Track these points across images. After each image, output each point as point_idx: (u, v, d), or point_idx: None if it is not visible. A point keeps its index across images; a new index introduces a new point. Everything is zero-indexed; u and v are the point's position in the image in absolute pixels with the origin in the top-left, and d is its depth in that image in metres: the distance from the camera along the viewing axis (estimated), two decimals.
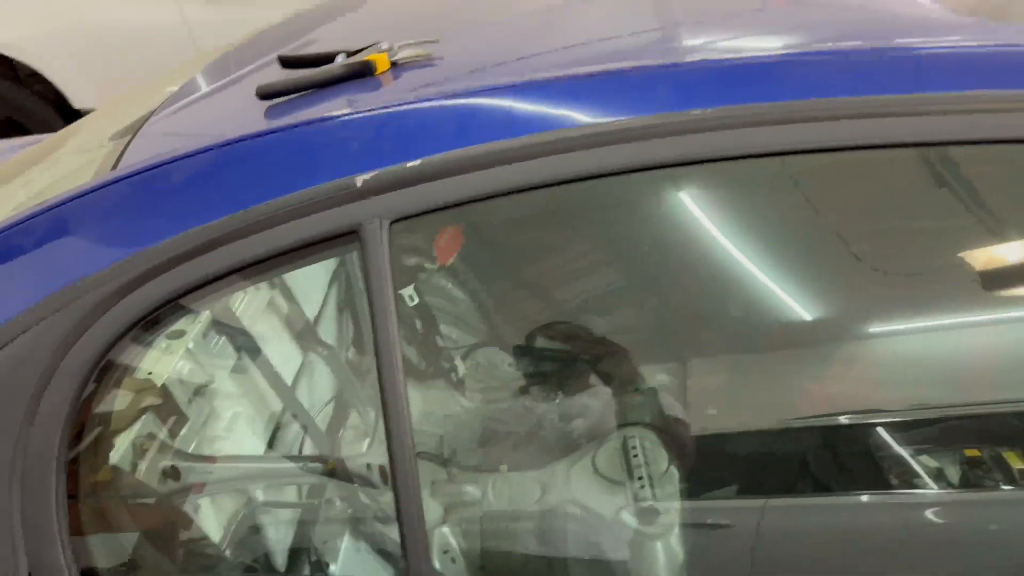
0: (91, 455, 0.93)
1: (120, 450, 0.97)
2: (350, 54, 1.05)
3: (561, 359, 1.28)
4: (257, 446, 1.16)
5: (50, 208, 0.90)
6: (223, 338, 1.12)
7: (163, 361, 0.99)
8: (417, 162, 0.87)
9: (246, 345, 1.15)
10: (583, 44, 1.10)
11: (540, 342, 1.26)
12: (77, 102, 3.51)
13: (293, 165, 0.88)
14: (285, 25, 1.66)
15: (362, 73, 1.00)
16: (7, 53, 3.41)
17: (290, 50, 1.32)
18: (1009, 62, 0.87)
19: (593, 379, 1.26)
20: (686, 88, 0.89)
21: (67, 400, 0.86)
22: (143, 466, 1.01)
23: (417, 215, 0.87)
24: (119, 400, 0.95)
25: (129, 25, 3.50)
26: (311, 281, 1.25)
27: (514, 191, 0.87)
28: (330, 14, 1.63)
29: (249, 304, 1.15)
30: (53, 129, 2.74)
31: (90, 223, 0.90)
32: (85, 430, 0.90)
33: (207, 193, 0.88)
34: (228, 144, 0.90)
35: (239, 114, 1.02)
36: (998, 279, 1.14)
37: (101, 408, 0.92)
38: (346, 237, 0.87)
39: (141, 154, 0.99)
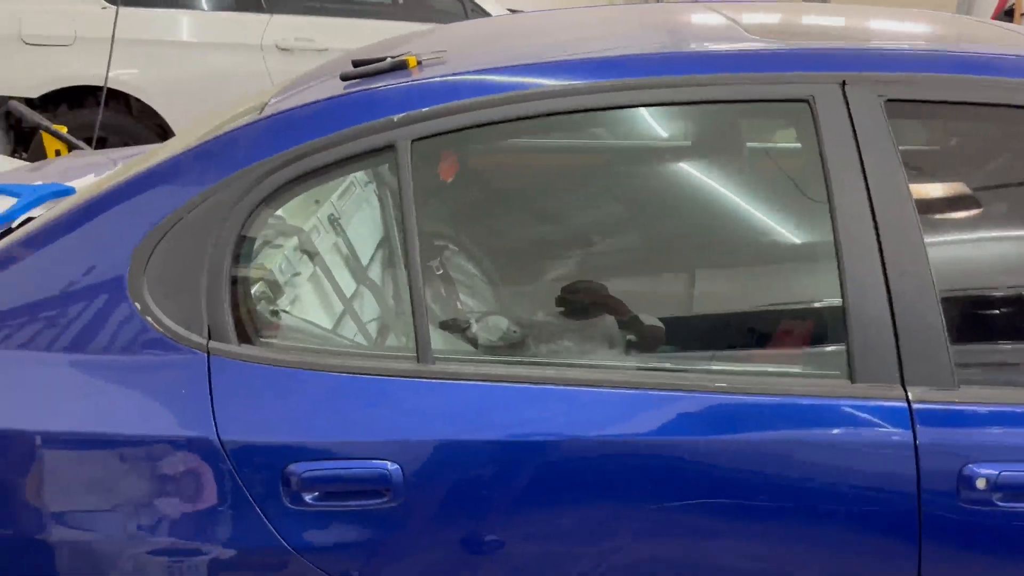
0: (244, 266, 1.63)
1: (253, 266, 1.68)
2: (393, 58, 1.78)
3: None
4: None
5: (227, 134, 1.64)
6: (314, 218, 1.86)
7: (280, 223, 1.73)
8: (427, 108, 1.59)
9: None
10: (521, 55, 1.83)
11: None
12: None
13: (364, 110, 1.61)
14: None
15: (402, 67, 1.74)
16: (128, 91, 4.28)
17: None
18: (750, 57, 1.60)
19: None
20: (621, 68, 1.62)
21: (235, 231, 1.58)
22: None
23: (428, 137, 1.60)
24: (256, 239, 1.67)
25: (223, 71, 4.36)
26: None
27: (485, 124, 1.60)
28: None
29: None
30: None
31: (251, 141, 1.63)
32: (242, 251, 1.62)
33: (322, 124, 1.61)
34: (332, 99, 1.64)
35: (333, 89, 1.75)
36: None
37: (248, 243, 1.63)
38: (386, 150, 1.59)
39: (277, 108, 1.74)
